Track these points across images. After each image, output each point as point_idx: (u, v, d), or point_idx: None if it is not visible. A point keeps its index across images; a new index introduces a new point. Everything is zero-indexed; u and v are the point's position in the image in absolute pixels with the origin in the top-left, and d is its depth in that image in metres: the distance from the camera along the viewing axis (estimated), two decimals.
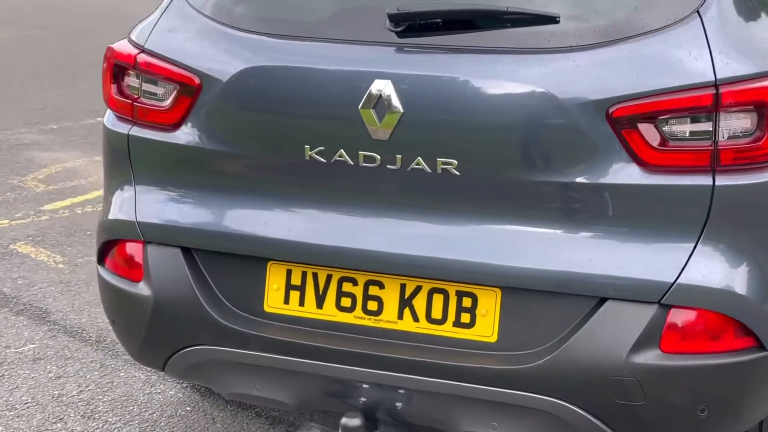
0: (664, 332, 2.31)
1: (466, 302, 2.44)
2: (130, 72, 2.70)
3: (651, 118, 2.28)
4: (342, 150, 2.43)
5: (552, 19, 2.34)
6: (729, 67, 2.28)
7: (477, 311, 2.43)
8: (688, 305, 2.31)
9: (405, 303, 2.48)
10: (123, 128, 2.72)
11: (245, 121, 2.57)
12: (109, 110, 2.82)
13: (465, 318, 2.44)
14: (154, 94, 2.67)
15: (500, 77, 2.36)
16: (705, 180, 2.29)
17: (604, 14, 2.39)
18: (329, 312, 2.53)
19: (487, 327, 2.42)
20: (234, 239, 2.59)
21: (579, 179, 2.33)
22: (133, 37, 2.74)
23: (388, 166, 2.41)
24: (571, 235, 2.36)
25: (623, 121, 2.28)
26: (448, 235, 2.43)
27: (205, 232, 2.61)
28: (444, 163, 2.37)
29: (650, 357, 2.30)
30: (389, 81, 2.36)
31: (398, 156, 2.39)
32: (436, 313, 2.46)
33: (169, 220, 2.65)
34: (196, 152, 2.61)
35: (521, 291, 2.40)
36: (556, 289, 2.37)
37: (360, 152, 2.42)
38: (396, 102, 2.36)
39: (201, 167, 2.63)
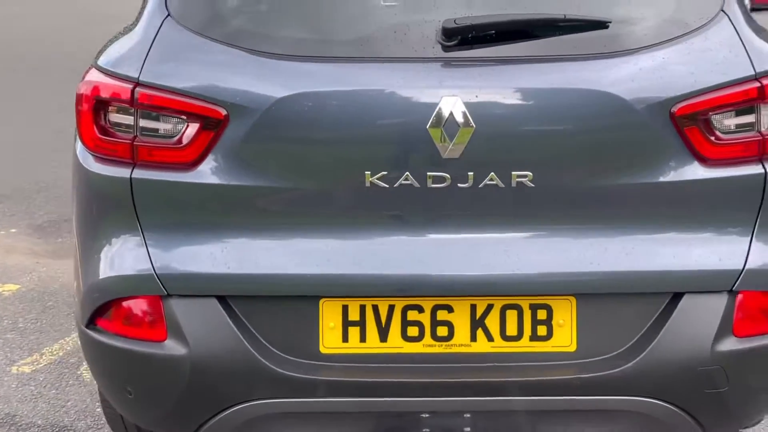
0: (736, 318, 2.40)
1: (541, 314, 2.40)
2: (122, 108, 2.39)
3: (707, 114, 2.35)
4: (408, 173, 2.30)
5: (603, 25, 2.34)
6: (763, 61, 2.40)
7: (553, 322, 2.40)
8: (755, 289, 2.41)
9: (477, 324, 2.40)
10: (120, 172, 2.40)
11: (288, 151, 2.35)
12: (87, 153, 2.47)
13: (541, 330, 2.40)
14: (156, 130, 2.38)
15: (566, 84, 2.33)
16: (757, 169, 2.40)
17: (651, 17, 2.42)
18: (395, 344, 2.40)
19: (565, 337, 2.40)
20: (280, 281, 2.37)
21: (646, 179, 2.36)
22: (114, 69, 2.41)
23: (459, 185, 2.31)
24: (640, 235, 2.39)
25: (684, 120, 2.33)
26: (518, 249, 2.37)
27: (245, 276, 2.37)
28: (519, 176, 2.31)
29: (729, 344, 2.38)
30: (458, 97, 2.26)
31: (470, 173, 2.30)
32: (511, 330, 2.40)
33: (200, 269, 2.38)
34: (223, 190, 2.36)
35: (596, 296, 2.39)
36: (631, 290, 2.39)
37: (429, 173, 2.30)
38: (468, 118, 2.26)
39: (230, 205, 2.38)
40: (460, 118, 2.26)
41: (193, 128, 2.35)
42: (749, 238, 2.42)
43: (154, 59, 2.38)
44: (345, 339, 2.39)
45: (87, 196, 2.51)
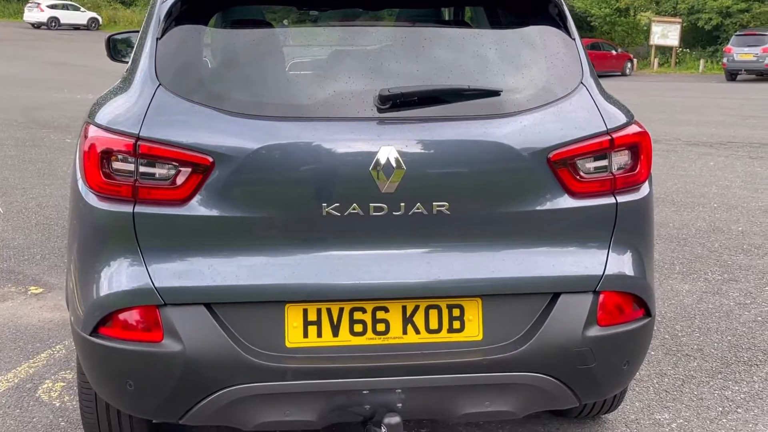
0: (599, 312, 3.19)
1: (456, 312, 3.14)
2: (125, 157, 3.03)
3: (574, 159, 3.16)
4: (355, 203, 3.02)
5: (496, 93, 3.14)
6: (612, 120, 3.24)
7: (465, 318, 3.13)
8: (611, 290, 3.22)
9: (407, 320, 3.12)
10: (123, 208, 3.03)
11: (262, 189, 3.04)
12: (90, 192, 3.09)
13: (456, 324, 3.13)
14: (153, 174, 3.03)
15: (472, 136, 3.10)
16: (610, 200, 3.22)
17: (530, 88, 3.23)
18: (345, 338, 3.09)
19: (474, 329, 3.14)
20: (254, 291, 3.04)
21: (531, 207, 3.14)
22: (117, 127, 3.05)
23: (394, 213, 3.04)
24: (527, 249, 3.17)
25: (557, 163, 3.14)
26: (438, 261, 3.11)
27: (227, 288, 3.03)
28: (438, 206, 3.06)
29: (594, 331, 3.17)
30: (392, 146, 3.00)
31: (402, 204, 3.03)
32: (433, 324, 3.13)
33: (192, 283, 3.02)
34: (209, 220, 3.02)
35: (497, 296, 3.15)
36: (522, 291, 3.15)
37: (371, 204, 3.02)
38: (400, 162, 3.00)
39: (215, 231, 3.04)
40: (393, 163, 3.00)
41: (185, 172, 3.01)
42: (607, 251, 3.22)
43: (151, 119, 3.04)
44: (305, 335, 3.07)
45: (90, 227, 3.12)
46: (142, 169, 3.03)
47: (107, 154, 3.04)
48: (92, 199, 3.09)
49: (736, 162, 11.91)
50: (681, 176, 10.67)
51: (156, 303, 3.02)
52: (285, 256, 3.06)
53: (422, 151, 3.06)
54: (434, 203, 3.06)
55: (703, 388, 4.48)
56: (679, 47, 41.26)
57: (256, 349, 3.04)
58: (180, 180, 3.01)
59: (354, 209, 3.03)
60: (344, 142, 3.04)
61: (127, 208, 3.03)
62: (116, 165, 3.05)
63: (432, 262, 3.11)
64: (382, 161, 3.00)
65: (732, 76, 33.60)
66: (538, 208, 3.15)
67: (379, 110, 3.06)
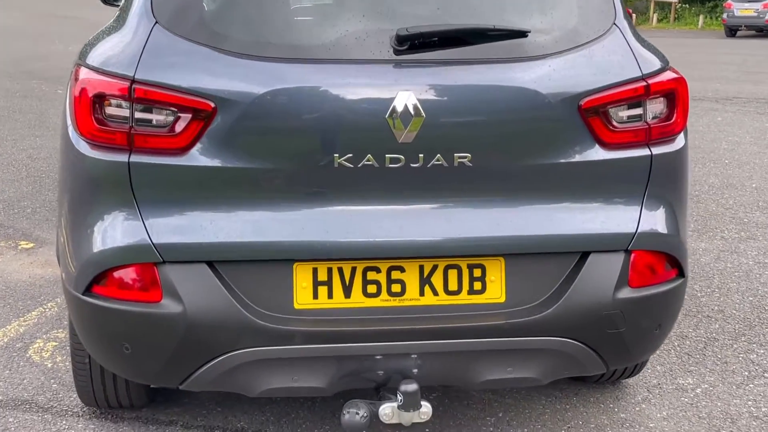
0: (630, 272, 2.97)
1: (477, 272, 2.91)
2: (119, 102, 2.78)
3: (606, 107, 2.92)
4: (370, 155, 2.77)
5: (523, 34, 2.88)
6: (647, 65, 2.99)
7: (486, 278, 2.91)
8: (644, 249, 2.99)
9: (425, 281, 2.89)
10: (118, 157, 2.79)
11: (269, 138, 2.79)
12: (82, 140, 2.85)
13: (477, 286, 2.91)
14: (150, 121, 2.78)
15: (498, 81, 2.85)
16: (644, 151, 2.98)
17: (560, 28, 2.98)
18: (357, 300, 2.86)
19: (496, 290, 2.91)
20: (260, 248, 2.80)
21: (560, 160, 2.90)
22: (111, 68, 2.79)
23: (411, 165, 2.80)
24: (555, 205, 2.93)
25: (589, 111, 2.89)
26: (458, 217, 2.88)
27: (231, 244, 2.79)
28: (460, 157, 2.82)
29: (626, 293, 2.95)
30: (411, 92, 2.75)
31: (420, 155, 2.79)
32: (453, 286, 2.90)
33: (192, 239, 2.79)
34: (212, 171, 2.78)
35: (522, 256, 2.92)
36: (548, 250, 2.92)
37: (387, 155, 2.78)
38: (419, 109, 2.75)
39: (217, 184, 2.80)
40: (412, 110, 2.75)
41: (184, 119, 2.76)
42: (640, 208, 2.99)
43: (147, 60, 2.78)
44: (315, 296, 2.84)
45: (83, 178, 2.88)
46: (137, 114, 2.78)
47: (100, 99, 2.79)
48: (84, 148, 2.84)
49: (744, 118, 11.66)
50: (689, 132, 10.40)
51: (154, 260, 2.79)
52: (293, 211, 2.82)
53: (443, 97, 2.81)
54: (456, 154, 2.82)
55: (727, 351, 4.27)
56: (679, 2, 40.86)
57: (262, 310, 2.82)
58: (179, 127, 2.77)
59: (368, 161, 2.78)
60: (358, 86, 2.79)
61: (122, 158, 2.79)
62: (110, 110, 2.79)
63: (452, 219, 2.87)
64: (400, 108, 2.75)
65: (732, 32, 33.17)
66: (568, 160, 2.91)
67: (396, 52, 2.80)
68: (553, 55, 2.90)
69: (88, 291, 2.87)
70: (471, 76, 2.84)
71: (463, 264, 2.90)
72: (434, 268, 2.90)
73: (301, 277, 2.84)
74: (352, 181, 2.81)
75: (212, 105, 2.74)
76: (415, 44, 2.79)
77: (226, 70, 2.77)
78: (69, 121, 2.92)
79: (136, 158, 2.78)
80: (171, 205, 2.81)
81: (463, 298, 2.91)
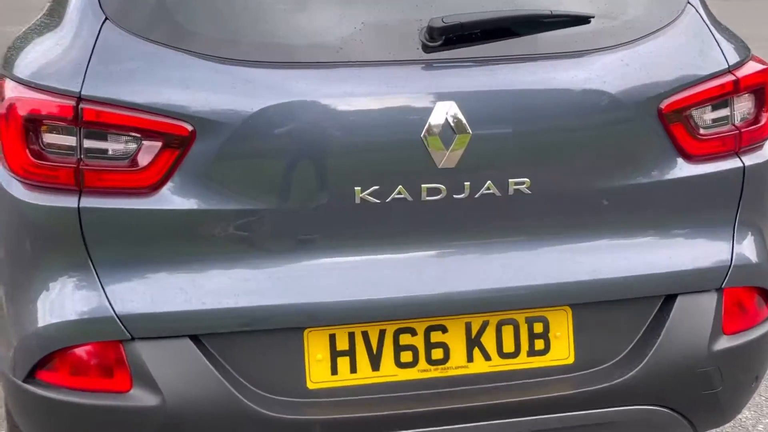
0: (724, 316, 2.35)
1: (538, 328, 2.26)
2: (62, 127, 2.07)
3: (690, 109, 2.29)
4: (401, 186, 2.11)
5: (586, 20, 2.23)
6: (731, 54, 2.36)
7: (550, 334, 2.27)
8: (739, 285, 2.37)
9: (473, 343, 2.24)
10: (63, 201, 2.08)
11: (267, 168, 2.11)
12: (13, 179, 2.13)
13: (539, 344, 2.27)
14: (105, 151, 2.08)
15: (557, 83, 2.20)
16: (735, 163, 2.35)
17: (629, 11, 2.33)
18: (388, 372, 2.20)
19: (562, 349, 2.27)
20: (261, 314, 2.13)
21: (636, 180, 2.27)
22: (47, 83, 2.09)
23: (454, 196, 2.14)
24: (631, 239, 2.30)
25: (671, 116, 2.26)
26: (512, 261, 2.23)
27: (221, 312, 2.11)
28: (516, 183, 2.16)
29: (721, 342, 2.33)
30: (452, 101, 2.09)
31: (466, 183, 2.13)
32: (508, 346, 2.26)
33: (169, 307, 2.10)
34: (191, 215, 2.09)
35: (591, 305, 2.28)
36: (625, 296, 2.29)
37: (423, 185, 2.12)
38: (464, 124, 2.09)
39: (199, 232, 2.11)
40: (455, 125, 2.09)
41: (152, 147, 2.06)
42: (732, 233, 2.37)
43: (97, 69, 2.07)
44: (334, 371, 2.17)
45: (17, 231, 2.17)
46: (87, 143, 2.07)
47: (35, 123, 2.08)
48: (17, 189, 2.13)
49: None
50: None
51: (119, 337, 2.10)
52: (301, 262, 2.15)
53: (493, 106, 2.15)
54: (510, 180, 2.16)
55: None
56: None
57: (266, 394, 2.15)
58: (145, 158, 2.07)
59: (399, 194, 2.12)
60: (382, 97, 2.12)
61: (70, 201, 2.08)
62: (49, 138, 2.09)
63: (505, 263, 2.22)
64: (439, 123, 2.08)
65: None
66: (646, 180, 2.27)
67: (427, 49, 2.13)
68: (624, 45, 2.26)
69: (30, 377, 2.16)
70: (524, 77, 2.19)
71: (521, 318, 2.26)
72: (484, 325, 2.24)
73: (315, 347, 2.17)
74: (378, 220, 2.14)
75: (189, 128, 2.05)
76: (452, 38, 2.12)
77: (206, 80, 2.08)
78: None
79: (87, 202, 2.08)
80: (138, 263, 2.11)
81: (522, 362, 2.26)
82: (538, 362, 2.26)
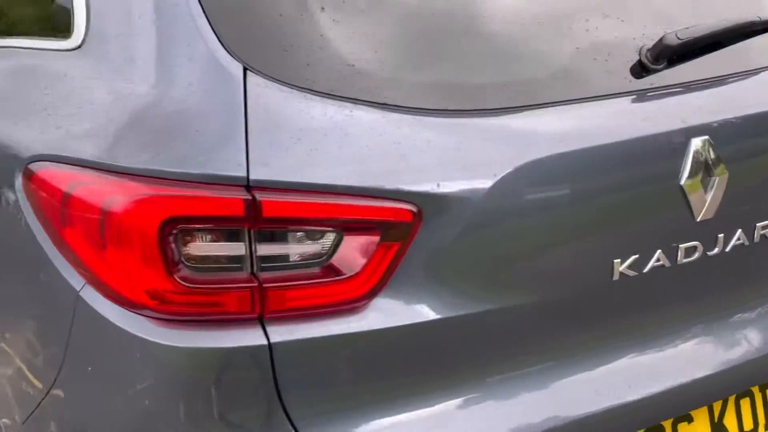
0: None
1: None
2: (220, 232, 1.42)
3: None
4: (660, 250, 1.65)
5: None
6: None
7: None
8: None
9: (717, 428, 1.83)
10: (242, 338, 1.42)
11: (507, 253, 1.55)
12: (142, 320, 1.44)
13: None
14: (286, 258, 1.45)
15: None
16: None
17: None
18: None
19: None
20: None
21: None
22: (182, 169, 1.41)
23: (708, 254, 1.72)
24: None
25: None
26: (758, 324, 1.85)
27: None
28: (763, 227, 1.78)
29: None
30: (707, 136, 1.67)
31: (720, 235, 1.72)
32: (747, 424, 1.87)
33: None
34: (420, 331, 1.51)
35: None
36: None
37: (680, 245, 1.68)
38: (720, 162, 1.68)
39: (429, 353, 1.54)
40: (713, 164, 1.67)
41: (360, 242, 1.46)
42: None
43: (260, 142, 1.43)
44: None
45: (167, 391, 1.46)
46: (263, 249, 1.42)
47: (177, 231, 1.40)
48: (155, 333, 1.42)
49: None
50: None
51: None
52: (549, 372, 1.63)
53: (744, 134, 1.75)
54: (758, 224, 1.77)
55: None
56: None
57: None
58: (352, 260, 1.46)
59: (657, 261, 1.66)
60: (624, 136, 1.64)
61: (255, 338, 1.42)
62: (201, 249, 1.41)
63: (749, 328, 1.83)
64: (698, 163, 1.65)
65: None
66: None
67: (652, 73, 1.69)
68: None
69: None
70: (758, 94, 1.80)
71: (755, 389, 1.88)
72: (724, 404, 1.84)
73: None
74: (634, 298, 1.67)
75: (412, 209, 1.46)
76: (682, 56, 1.70)
77: (427, 141, 1.50)
78: (91, 287, 1.47)
79: (277, 334, 1.43)
80: (346, 415, 1.50)
81: None
82: None
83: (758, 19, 1.74)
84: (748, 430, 1.86)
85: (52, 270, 1.51)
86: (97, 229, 1.44)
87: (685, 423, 1.79)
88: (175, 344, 1.42)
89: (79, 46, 1.61)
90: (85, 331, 1.48)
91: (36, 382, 1.61)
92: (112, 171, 1.45)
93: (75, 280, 1.48)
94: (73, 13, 1.64)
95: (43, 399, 1.58)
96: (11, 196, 1.60)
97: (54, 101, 1.59)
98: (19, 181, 1.58)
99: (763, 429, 1.89)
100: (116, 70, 1.53)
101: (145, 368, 1.44)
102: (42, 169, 1.54)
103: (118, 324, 1.43)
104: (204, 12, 1.48)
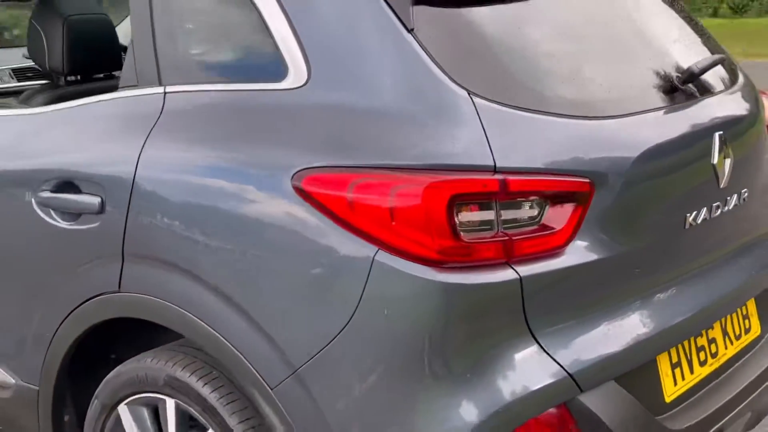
0: None
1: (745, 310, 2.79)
2: (482, 203, 2.08)
3: None
4: (704, 207, 2.49)
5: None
6: None
7: (749, 314, 2.80)
8: None
9: (725, 333, 2.68)
10: (497, 275, 2.08)
11: (636, 211, 2.31)
12: (422, 267, 2.05)
13: (746, 324, 2.79)
14: (516, 220, 2.13)
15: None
16: None
17: None
18: (698, 372, 2.55)
19: (755, 325, 2.82)
20: (639, 350, 2.33)
21: None
22: (459, 161, 2.07)
23: (723, 210, 2.57)
24: None
25: None
26: (746, 258, 2.75)
27: (634, 349, 2.29)
28: (744, 192, 2.66)
29: None
30: (721, 131, 2.53)
31: (729, 197, 2.58)
32: (737, 329, 2.74)
33: (600, 355, 2.21)
34: (591, 268, 2.22)
35: None
36: None
37: (713, 204, 2.52)
38: (728, 147, 2.55)
39: (596, 282, 2.25)
40: (726, 149, 2.53)
41: (561, 207, 2.16)
42: None
43: (496, 143, 2.10)
44: (675, 382, 2.47)
45: (443, 319, 2.06)
46: (506, 215, 2.09)
47: (456, 204, 2.04)
48: (431, 274, 2.03)
49: None
50: None
51: (571, 395, 2.15)
52: (649, 297, 2.41)
53: (739, 127, 2.69)
54: (742, 191, 2.66)
55: None
56: None
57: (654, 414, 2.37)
58: (557, 219, 2.16)
59: (704, 215, 2.49)
60: (684, 134, 2.48)
61: (508, 274, 2.08)
62: (467, 216, 2.06)
63: (743, 260, 2.73)
64: (719, 149, 2.51)
65: None
66: None
67: (682, 92, 2.55)
68: None
69: None
70: (740, 103, 2.75)
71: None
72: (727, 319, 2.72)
73: (664, 366, 2.44)
74: (695, 241, 2.51)
75: (588, 182, 2.19)
76: (693, 81, 2.58)
77: (583, 137, 2.24)
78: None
79: (526, 270, 2.10)
80: (560, 320, 2.19)
81: (744, 340, 2.76)
82: (748, 338, 2.78)
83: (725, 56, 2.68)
84: (736, 333, 2.73)
85: (340, 246, 2.07)
86: (387, 210, 2.03)
87: (710, 330, 2.62)
88: (456, 282, 2.04)
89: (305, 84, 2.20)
90: (381, 283, 2.05)
91: (328, 326, 2.12)
92: (392, 168, 2.05)
93: (367, 248, 2.04)
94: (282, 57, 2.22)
95: (334, 338, 2.10)
96: (279, 202, 2.13)
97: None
98: (286, 189, 2.11)
99: (744, 335, 2.75)
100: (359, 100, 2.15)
101: (431, 303, 2.04)
102: (317, 174, 2.09)
103: (413, 273, 2.03)
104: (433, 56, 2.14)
